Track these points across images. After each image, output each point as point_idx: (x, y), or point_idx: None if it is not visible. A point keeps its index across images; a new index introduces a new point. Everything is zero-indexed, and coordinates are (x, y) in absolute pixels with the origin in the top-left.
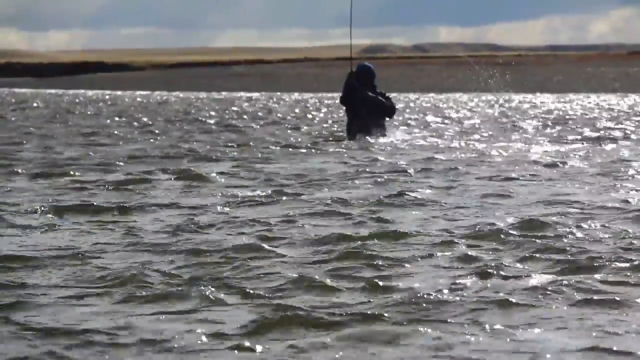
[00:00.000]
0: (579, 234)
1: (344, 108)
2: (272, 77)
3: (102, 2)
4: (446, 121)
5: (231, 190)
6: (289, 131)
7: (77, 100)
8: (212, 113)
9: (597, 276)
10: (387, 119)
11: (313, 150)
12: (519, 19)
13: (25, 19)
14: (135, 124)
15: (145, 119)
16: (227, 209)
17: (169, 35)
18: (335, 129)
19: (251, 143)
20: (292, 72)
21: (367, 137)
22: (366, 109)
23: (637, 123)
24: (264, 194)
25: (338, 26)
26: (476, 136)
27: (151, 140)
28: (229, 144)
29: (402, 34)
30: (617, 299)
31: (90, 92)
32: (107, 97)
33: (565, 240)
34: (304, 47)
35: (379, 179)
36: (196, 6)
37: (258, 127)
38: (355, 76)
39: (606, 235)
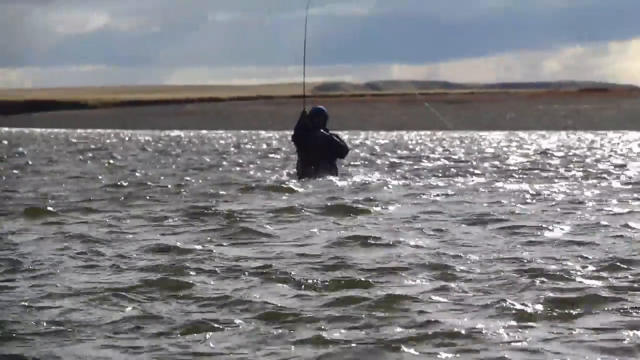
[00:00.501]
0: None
1: (296, 148)
2: (225, 115)
3: (52, 40)
4: (398, 160)
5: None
6: (240, 170)
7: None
8: (178, 151)
9: None
10: (339, 159)
11: (265, 191)
12: (471, 57)
13: None
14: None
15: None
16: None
17: (120, 73)
18: (287, 170)
19: (207, 178)
20: (245, 110)
21: (319, 177)
22: (319, 148)
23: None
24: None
25: (290, 64)
26: (433, 175)
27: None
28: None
29: (354, 72)
30: None
31: (45, 130)
32: (62, 135)
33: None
34: (257, 85)
35: (332, 220)
36: (148, 44)
37: (216, 165)
38: (308, 118)
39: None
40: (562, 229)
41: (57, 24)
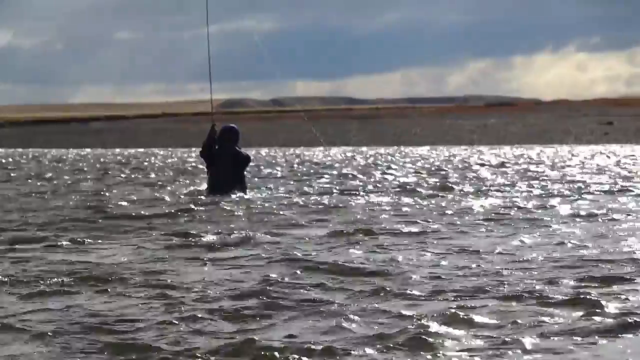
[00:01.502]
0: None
1: (206, 163)
2: (130, 133)
3: None
4: (302, 176)
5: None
6: (149, 190)
7: None
8: (85, 169)
9: None
10: (246, 172)
11: (180, 212)
12: (376, 72)
13: None
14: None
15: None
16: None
17: (22, 92)
18: (194, 187)
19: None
20: (150, 127)
21: (230, 194)
22: (225, 164)
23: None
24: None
25: (193, 80)
26: (344, 189)
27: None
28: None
29: (259, 88)
30: None
31: None
32: None
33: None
34: (161, 102)
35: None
36: (52, 62)
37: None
38: (219, 135)
39: None
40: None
41: None
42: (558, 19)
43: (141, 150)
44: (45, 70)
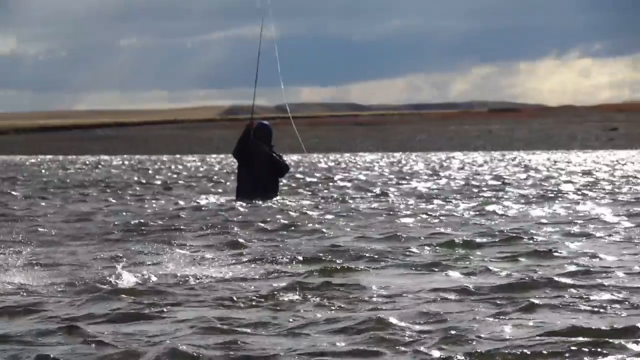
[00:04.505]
0: None
1: (238, 163)
2: (137, 140)
3: None
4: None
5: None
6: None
7: None
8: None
9: None
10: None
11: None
12: (380, 78)
13: None
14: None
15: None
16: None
17: (27, 99)
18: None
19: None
20: (156, 134)
21: (258, 197)
22: (260, 165)
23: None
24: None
25: (197, 87)
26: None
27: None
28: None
29: (263, 95)
30: None
31: None
32: None
33: None
34: (166, 109)
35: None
36: (57, 69)
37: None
38: (253, 132)
39: None
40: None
41: None
42: (562, 25)
43: (165, 156)
44: (50, 77)
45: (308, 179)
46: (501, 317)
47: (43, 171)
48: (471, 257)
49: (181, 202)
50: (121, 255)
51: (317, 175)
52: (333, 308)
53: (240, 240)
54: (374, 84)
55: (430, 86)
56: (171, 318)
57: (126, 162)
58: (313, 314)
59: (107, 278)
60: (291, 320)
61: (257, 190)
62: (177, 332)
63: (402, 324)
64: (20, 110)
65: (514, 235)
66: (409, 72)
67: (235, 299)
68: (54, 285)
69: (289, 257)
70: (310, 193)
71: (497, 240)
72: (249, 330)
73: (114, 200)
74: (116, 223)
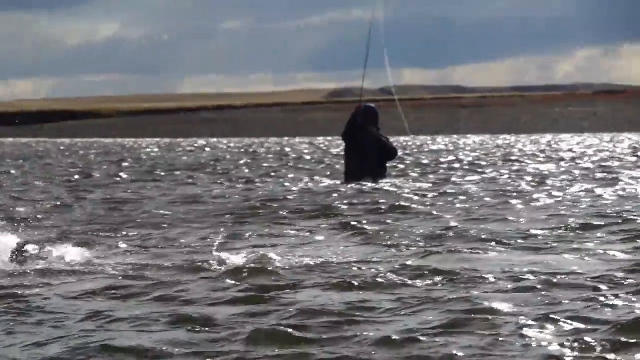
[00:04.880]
0: None
1: (345, 146)
2: (240, 122)
3: (63, 51)
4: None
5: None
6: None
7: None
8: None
9: None
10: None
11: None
12: (483, 60)
13: None
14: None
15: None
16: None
17: (131, 82)
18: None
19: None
20: (259, 117)
21: (366, 179)
22: (369, 148)
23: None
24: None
25: (301, 70)
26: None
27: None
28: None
29: (367, 77)
30: None
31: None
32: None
33: None
34: (270, 92)
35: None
36: (159, 52)
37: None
38: (360, 115)
39: None
40: None
41: (66, 33)
42: None
43: (275, 139)
44: (154, 60)
45: (415, 161)
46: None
47: (149, 154)
48: (586, 239)
49: (289, 184)
50: (232, 237)
51: (424, 157)
52: (445, 290)
53: (352, 222)
54: (477, 66)
55: (533, 68)
56: (281, 300)
57: (232, 145)
58: (426, 295)
59: (218, 260)
60: (403, 302)
61: (365, 173)
62: (284, 314)
63: (516, 309)
64: (124, 94)
65: (631, 217)
66: (513, 54)
67: (348, 280)
68: (163, 268)
69: (400, 238)
70: (418, 175)
71: (613, 222)
72: (360, 313)
73: (222, 183)
74: (228, 205)
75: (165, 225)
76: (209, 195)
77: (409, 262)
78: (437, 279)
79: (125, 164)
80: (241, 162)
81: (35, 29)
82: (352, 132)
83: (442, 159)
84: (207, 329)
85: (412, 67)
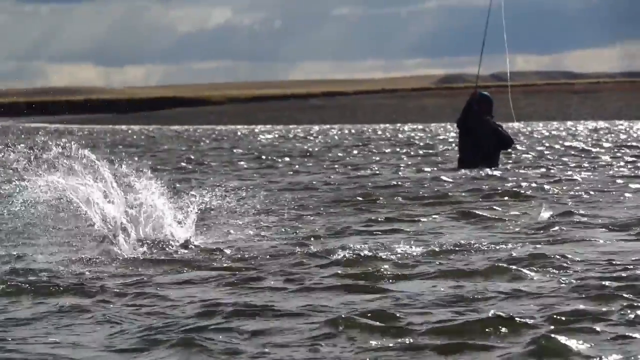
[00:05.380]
0: None
1: (459, 133)
2: (350, 109)
3: (175, 38)
4: (545, 151)
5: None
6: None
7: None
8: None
9: None
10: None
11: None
12: (595, 46)
13: (101, 54)
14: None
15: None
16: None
17: (242, 69)
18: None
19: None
20: (369, 103)
21: (481, 167)
22: (485, 137)
23: None
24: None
25: (412, 57)
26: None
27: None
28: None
29: (476, 63)
30: None
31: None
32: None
33: None
34: (380, 79)
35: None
36: (269, 39)
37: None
38: (476, 104)
39: None
40: None
41: (178, 20)
42: None
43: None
44: (265, 47)
45: (528, 148)
46: None
47: (261, 141)
48: None
49: (402, 171)
50: (348, 225)
51: (537, 143)
52: (562, 276)
53: (469, 209)
54: (589, 51)
55: None
56: (397, 287)
57: (345, 132)
58: (557, 279)
59: (336, 248)
60: (534, 286)
61: (479, 160)
62: (399, 301)
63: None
64: (236, 80)
65: None
66: (625, 39)
67: (472, 267)
68: (278, 256)
69: (522, 224)
70: (531, 161)
71: None
72: (492, 302)
73: (337, 170)
74: (343, 193)
75: (282, 212)
76: (322, 182)
77: (528, 249)
78: (554, 265)
79: (238, 150)
80: (353, 149)
81: (148, 16)
82: (467, 120)
83: (556, 146)
84: (323, 315)
85: (524, 53)
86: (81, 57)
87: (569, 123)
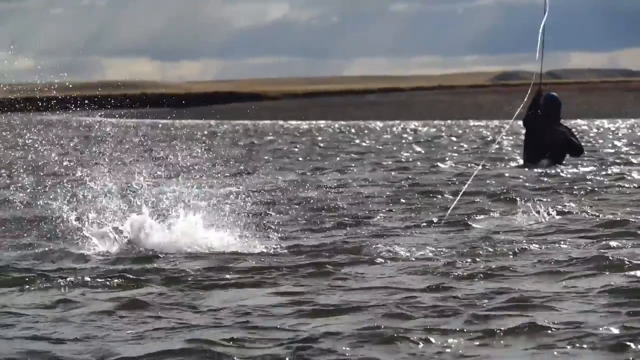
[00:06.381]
0: None
1: (526, 131)
2: (406, 105)
3: (232, 33)
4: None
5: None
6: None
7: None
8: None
9: None
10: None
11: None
12: None
13: (157, 49)
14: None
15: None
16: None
17: (298, 65)
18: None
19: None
20: (425, 100)
21: (547, 167)
22: (555, 145)
23: None
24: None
25: (469, 53)
26: None
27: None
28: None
29: (533, 60)
30: None
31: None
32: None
33: None
34: (436, 75)
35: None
36: (326, 35)
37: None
38: (542, 107)
39: None
40: None
41: (234, 15)
42: None
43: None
44: (320, 43)
45: (588, 147)
46: None
47: (317, 137)
48: None
49: (463, 168)
50: (408, 222)
51: (599, 142)
52: (620, 279)
53: (533, 206)
54: None
55: None
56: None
57: (399, 129)
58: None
59: (397, 247)
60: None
61: (544, 158)
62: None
63: None
64: (292, 76)
65: None
66: None
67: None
68: (326, 250)
69: (592, 221)
70: (593, 160)
71: None
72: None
73: (393, 167)
74: (402, 189)
75: (341, 208)
76: (381, 177)
77: (591, 252)
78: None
79: (294, 149)
80: (411, 146)
81: (205, 11)
82: (535, 121)
83: (617, 143)
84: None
85: (579, 50)
86: (137, 52)
87: (633, 121)
